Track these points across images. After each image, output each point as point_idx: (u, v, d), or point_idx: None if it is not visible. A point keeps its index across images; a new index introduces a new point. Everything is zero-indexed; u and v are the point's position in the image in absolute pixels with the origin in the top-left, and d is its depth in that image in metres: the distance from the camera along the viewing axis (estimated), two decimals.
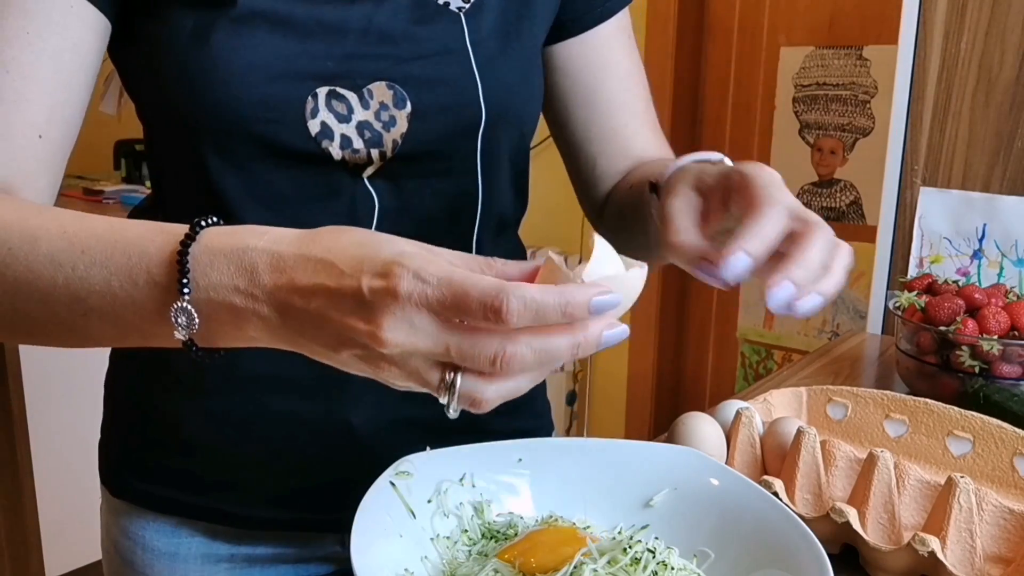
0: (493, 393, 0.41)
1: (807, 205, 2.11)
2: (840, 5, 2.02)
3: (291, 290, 0.42)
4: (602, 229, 0.80)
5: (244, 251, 0.44)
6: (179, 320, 0.45)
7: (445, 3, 0.64)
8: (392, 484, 0.56)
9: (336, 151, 0.61)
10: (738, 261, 0.48)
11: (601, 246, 0.44)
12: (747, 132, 2.23)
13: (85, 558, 1.91)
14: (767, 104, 2.18)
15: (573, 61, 0.76)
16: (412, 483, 0.56)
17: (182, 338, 0.45)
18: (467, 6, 0.65)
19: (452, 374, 0.41)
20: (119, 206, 2.17)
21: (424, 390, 0.43)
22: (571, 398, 2.50)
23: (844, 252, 0.50)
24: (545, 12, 0.72)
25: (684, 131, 2.31)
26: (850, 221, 2.07)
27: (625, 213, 0.75)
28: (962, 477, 0.60)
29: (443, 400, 0.41)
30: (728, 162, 0.62)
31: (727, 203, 0.54)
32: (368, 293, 0.40)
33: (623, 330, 0.42)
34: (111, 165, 2.79)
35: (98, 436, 0.77)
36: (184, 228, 0.46)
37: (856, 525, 0.61)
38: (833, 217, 2.10)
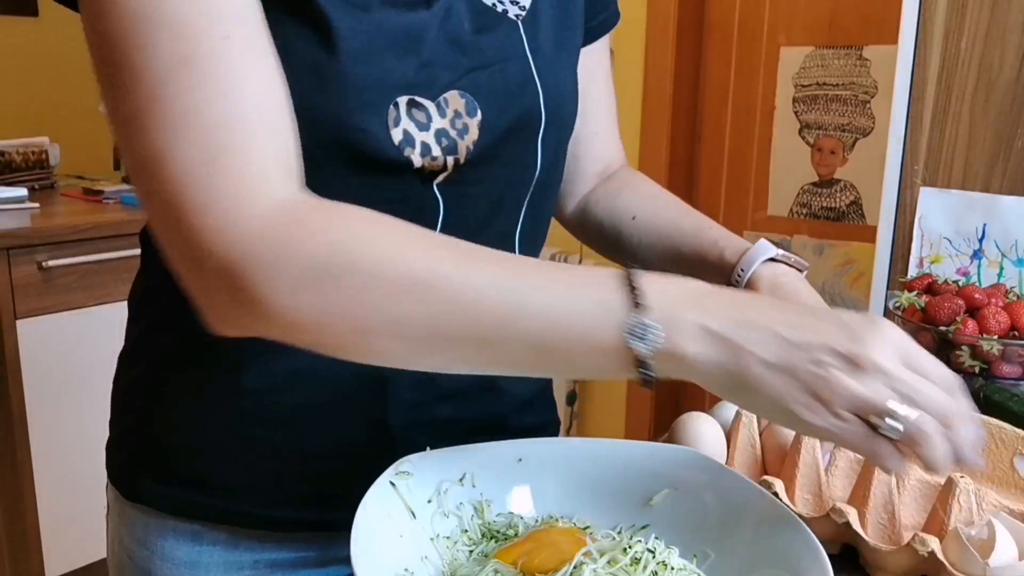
0: (936, 432, 0.46)
1: (807, 205, 2.12)
2: (840, 5, 2.02)
3: (749, 308, 0.49)
4: (575, 230, 0.87)
5: (689, 282, 0.50)
6: (638, 333, 0.48)
7: (504, 11, 0.65)
8: (392, 484, 0.56)
9: (417, 159, 0.61)
10: None
11: (1002, 532, 0.56)
12: (747, 132, 2.24)
13: (85, 558, 1.91)
14: (767, 104, 2.18)
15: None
16: (412, 483, 0.56)
17: (644, 351, 0.48)
18: (524, 13, 0.66)
19: (897, 403, 0.46)
20: (119, 206, 2.16)
21: (848, 426, 0.47)
22: (571, 398, 2.50)
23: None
24: (581, 21, 0.75)
25: (684, 131, 2.31)
26: (850, 221, 2.07)
27: (633, 246, 0.81)
28: (962, 477, 0.60)
29: (886, 421, 0.46)
30: (800, 260, 0.73)
31: None
32: (851, 322, 0.48)
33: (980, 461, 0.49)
34: (111, 165, 2.79)
35: (99, 435, 0.76)
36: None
37: (856, 525, 0.61)
38: (833, 217, 2.10)
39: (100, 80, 0.51)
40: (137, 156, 0.50)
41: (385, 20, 0.59)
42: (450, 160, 0.62)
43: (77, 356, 1.82)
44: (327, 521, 0.70)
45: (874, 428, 0.47)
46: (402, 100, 0.60)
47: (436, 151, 0.62)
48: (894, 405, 0.46)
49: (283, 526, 0.70)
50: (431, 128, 0.61)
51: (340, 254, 0.49)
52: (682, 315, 0.48)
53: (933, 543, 0.57)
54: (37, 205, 1.98)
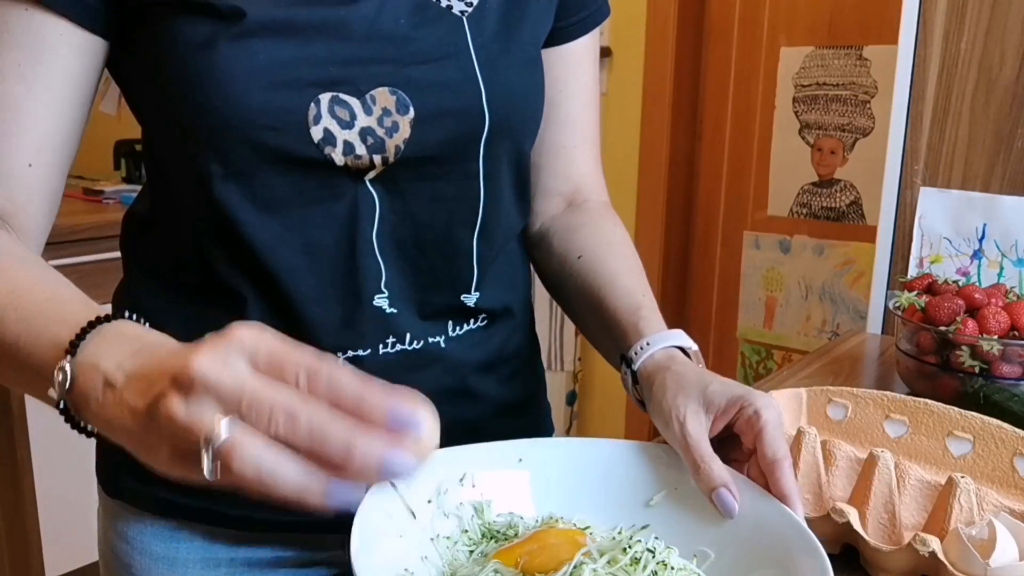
0: (254, 448, 0.39)
1: (807, 205, 2.12)
2: (840, 5, 2.02)
3: (140, 354, 0.45)
4: (533, 255, 0.81)
5: (139, 337, 0.47)
6: (57, 378, 0.46)
7: (448, 6, 0.64)
8: (392, 484, 0.56)
9: (339, 157, 0.61)
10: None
11: (1002, 532, 0.55)
12: (747, 132, 2.24)
13: (85, 558, 1.91)
14: (767, 104, 2.18)
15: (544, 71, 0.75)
16: (412, 483, 0.56)
17: (53, 397, 0.47)
18: (470, 10, 0.65)
19: (223, 419, 0.39)
20: (119, 206, 2.16)
21: (177, 454, 0.41)
22: (571, 398, 2.50)
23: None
24: (544, 17, 0.72)
25: (684, 132, 2.31)
26: (850, 221, 2.07)
27: (567, 284, 0.76)
28: (962, 477, 0.60)
29: (204, 450, 0.39)
30: (695, 348, 0.66)
31: (732, 429, 0.59)
32: (204, 339, 0.41)
33: (408, 463, 0.41)
34: (111, 165, 2.79)
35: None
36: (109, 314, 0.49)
37: (857, 525, 0.61)
38: (833, 217, 2.10)
39: None
40: None
41: (301, 15, 0.59)
42: (377, 158, 0.62)
43: None
44: (302, 523, 0.70)
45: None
46: (324, 97, 0.59)
47: (360, 149, 0.61)
48: (215, 428, 0.39)
49: (257, 526, 0.70)
50: (355, 126, 0.61)
51: None
52: (99, 366, 0.45)
53: (934, 543, 0.57)
54: None
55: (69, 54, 0.59)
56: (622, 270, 0.74)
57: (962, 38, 1.14)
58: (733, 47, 2.23)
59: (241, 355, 0.40)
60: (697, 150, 2.34)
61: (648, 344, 0.65)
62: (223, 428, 0.39)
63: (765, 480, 0.56)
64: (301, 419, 0.39)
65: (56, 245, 1.78)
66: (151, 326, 0.69)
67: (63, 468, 1.86)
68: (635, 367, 0.65)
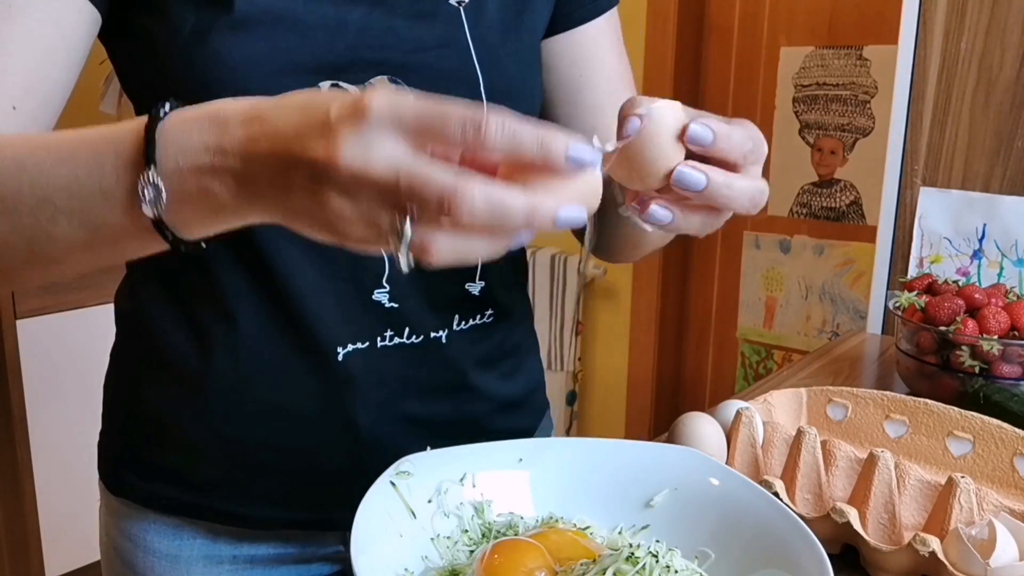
0: (444, 243, 0.38)
1: (807, 205, 2.12)
2: (840, 5, 2.02)
3: (263, 136, 0.39)
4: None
5: (218, 110, 0.42)
6: (146, 195, 0.42)
7: None
8: (392, 484, 0.56)
9: None
10: (630, 124, 0.48)
11: (1002, 532, 0.56)
12: None
13: (85, 558, 1.91)
14: (767, 104, 2.18)
15: (559, 57, 0.75)
16: (412, 483, 0.56)
17: (150, 215, 0.42)
18: (467, 1, 0.65)
19: (403, 217, 0.37)
20: None
21: (370, 247, 0.39)
22: (571, 398, 2.50)
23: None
24: (543, 6, 0.72)
25: None
26: (850, 221, 2.07)
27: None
28: (963, 477, 0.60)
29: (392, 247, 0.38)
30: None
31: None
32: (334, 117, 0.37)
33: (579, 212, 0.39)
34: None
35: (98, 436, 0.77)
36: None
37: (857, 525, 0.61)
38: (833, 217, 2.10)
39: None
40: None
41: (301, 5, 0.59)
42: None
43: (77, 356, 1.82)
44: (303, 520, 0.71)
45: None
46: (324, 86, 0.60)
47: None
48: (396, 226, 0.37)
49: (259, 524, 0.71)
50: None
51: None
52: (199, 160, 0.41)
53: (934, 543, 0.57)
54: None
55: (64, 8, 0.57)
56: None
57: (962, 38, 1.14)
58: (733, 47, 2.22)
59: (388, 131, 0.37)
60: None
61: None
62: (406, 230, 0.37)
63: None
64: (475, 202, 0.37)
65: None
66: (151, 327, 0.69)
67: (63, 468, 1.86)
68: None
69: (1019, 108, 1.12)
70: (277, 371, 0.66)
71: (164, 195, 0.42)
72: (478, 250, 0.39)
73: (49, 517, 1.86)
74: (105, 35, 0.62)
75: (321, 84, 0.59)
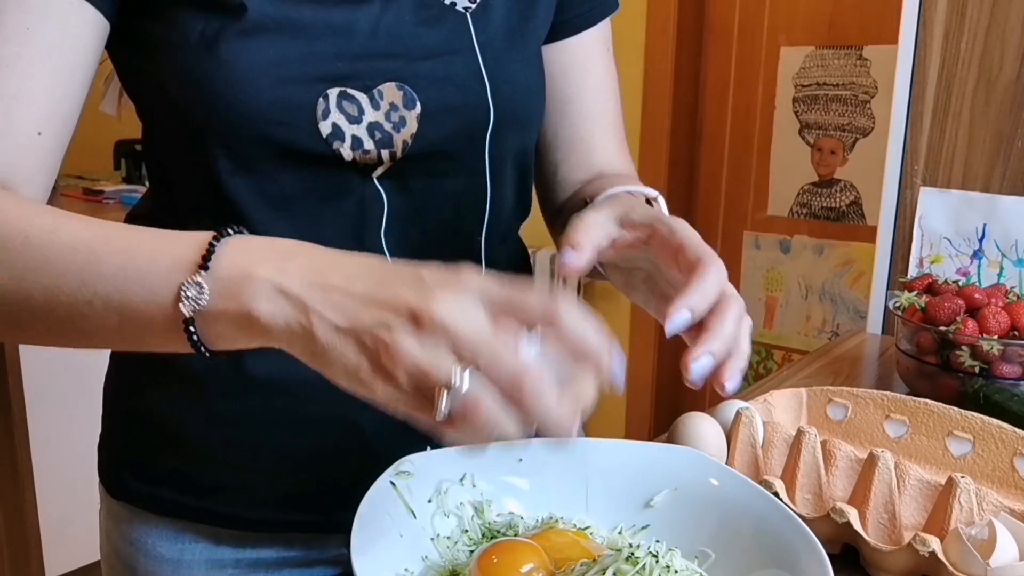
0: (492, 405, 0.40)
1: (807, 205, 2.12)
2: (840, 5, 2.02)
3: (333, 269, 0.43)
4: (556, 234, 0.80)
5: (283, 242, 0.45)
6: (188, 293, 0.44)
7: (451, 3, 0.64)
8: (392, 484, 0.56)
9: (347, 152, 0.61)
10: (681, 317, 0.50)
11: (1002, 532, 0.55)
12: (747, 132, 2.23)
13: (85, 558, 1.91)
14: (767, 104, 2.18)
15: (552, 66, 0.75)
16: (412, 483, 0.56)
17: (186, 312, 0.44)
18: (473, 6, 0.65)
19: (463, 369, 0.40)
20: (119, 206, 2.16)
21: (408, 394, 0.41)
22: None
23: (748, 324, 0.53)
24: (546, 13, 0.72)
25: (684, 132, 2.31)
26: (850, 221, 2.07)
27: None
28: (963, 477, 0.60)
29: (442, 394, 0.40)
30: (662, 202, 0.65)
31: (645, 245, 0.56)
32: (428, 277, 0.41)
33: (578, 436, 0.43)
34: (111, 165, 2.79)
35: (98, 436, 0.76)
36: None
37: (857, 525, 0.61)
38: (833, 217, 2.10)
39: None
40: None
41: (307, 15, 0.59)
42: (385, 153, 0.62)
43: (77, 356, 1.82)
44: (307, 523, 0.70)
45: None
46: (332, 92, 0.60)
47: (368, 144, 0.61)
48: (455, 377, 0.40)
49: (262, 527, 0.71)
50: (363, 121, 0.61)
51: None
52: (257, 274, 0.44)
53: (934, 543, 0.57)
54: None
55: (77, 24, 0.57)
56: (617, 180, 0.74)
57: (962, 38, 1.14)
58: (733, 47, 2.22)
59: (478, 303, 0.41)
60: (697, 150, 2.34)
61: (613, 189, 0.66)
62: (466, 379, 0.40)
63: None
64: (531, 390, 0.40)
65: None
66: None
67: (63, 468, 1.86)
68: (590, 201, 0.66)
69: (1019, 108, 1.12)
70: (285, 375, 0.65)
71: (205, 294, 0.44)
72: (505, 430, 0.41)
73: (49, 517, 1.86)
74: (109, 41, 0.62)
75: (329, 92, 0.59)
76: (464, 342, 0.40)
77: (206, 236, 0.46)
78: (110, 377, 0.75)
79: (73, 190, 2.43)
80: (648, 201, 0.65)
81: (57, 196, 2.17)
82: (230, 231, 0.46)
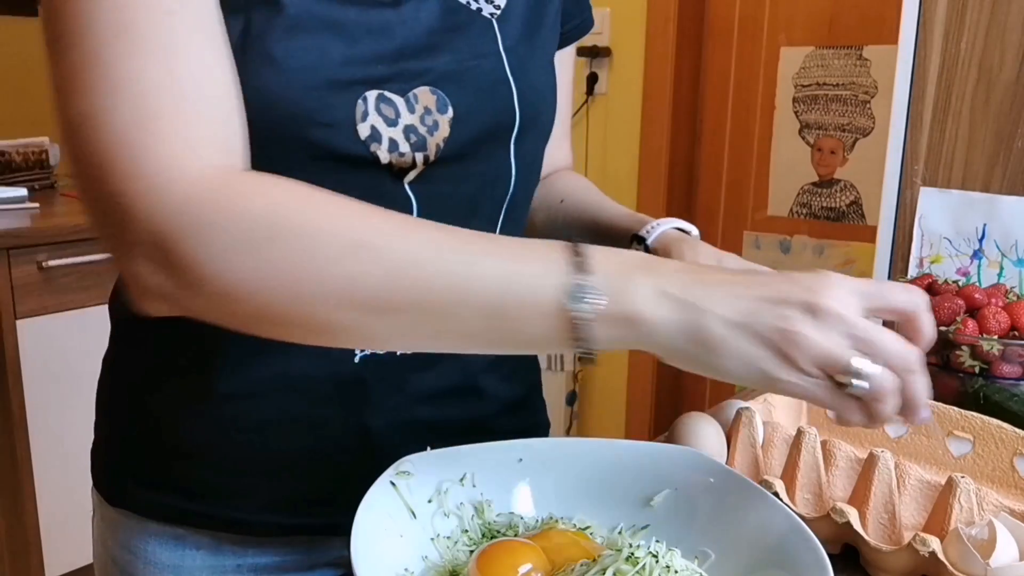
0: (894, 391, 0.47)
1: (807, 205, 2.12)
2: (840, 5, 2.02)
3: (698, 272, 0.49)
4: None
5: (626, 252, 0.50)
6: (581, 296, 0.47)
7: (478, 9, 0.65)
8: (392, 484, 0.56)
9: (384, 155, 0.61)
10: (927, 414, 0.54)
11: (1002, 532, 0.56)
12: (747, 132, 2.23)
13: (85, 558, 1.91)
14: (767, 104, 2.18)
15: None
16: (412, 483, 0.56)
17: (584, 315, 0.47)
18: (498, 12, 0.66)
19: (861, 359, 0.45)
20: None
21: (810, 378, 0.46)
22: (571, 398, 2.50)
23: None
24: (553, 23, 0.74)
25: (684, 132, 2.31)
26: (850, 221, 2.07)
27: (556, 224, 0.84)
28: (962, 477, 0.60)
29: (850, 375, 0.45)
30: (695, 232, 0.75)
31: None
32: (799, 275, 0.47)
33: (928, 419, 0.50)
34: None
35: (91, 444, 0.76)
36: None
37: (857, 525, 0.61)
38: (833, 217, 2.10)
39: (46, 49, 0.50)
40: (69, 118, 0.49)
41: (350, 16, 0.59)
42: (419, 157, 0.62)
43: (77, 356, 1.82)
44: (309, 526, 0.70)
45: (839, 384, 0.46)
46: (371, 95, 0.59)
47: (404, 147, 0.61)
48: (857, 362, 0.45)
49: (265, 531, 0.70)
50: (399, 124, 0.61)
51: (276, 215, 0.48)
52: (635, 279, 0.47)
53: (934, 543, 0.57)
54: (37, 205, 1.98)
55: (214, 6, 0.54)
56: (605, 201, 0.83)
57: (962, 38, 1.14)
58: (733, 47, 2.22)
59: (851, 294, 0.46)
60: (697, 150, 2.34)
61: (658, 224, 0.74)
62: (868, 365, 0.46)
63: None
64: (917, 376, 0.47)
65: (56, 245, 1.78)
66: (152, 334, 0.69)
67: (63, 468, 1.86)
68: (648, 241, 0.74)
69: (1019, 108, 1.12)
70: (287, 377, 0.65)
71: (602, 301, 0.47)
72: (888, 414, 0.48)
73: (49, 518, 1.86)
74: None
75: (367, 94, 0.59)
76: (859, 330, 0.45)
77: (563, 246, 0.49)
78: (104, 383, 0.74)
79: (73, 190, 2.43)
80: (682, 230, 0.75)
81: (57, 196, 2.17)
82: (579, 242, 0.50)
